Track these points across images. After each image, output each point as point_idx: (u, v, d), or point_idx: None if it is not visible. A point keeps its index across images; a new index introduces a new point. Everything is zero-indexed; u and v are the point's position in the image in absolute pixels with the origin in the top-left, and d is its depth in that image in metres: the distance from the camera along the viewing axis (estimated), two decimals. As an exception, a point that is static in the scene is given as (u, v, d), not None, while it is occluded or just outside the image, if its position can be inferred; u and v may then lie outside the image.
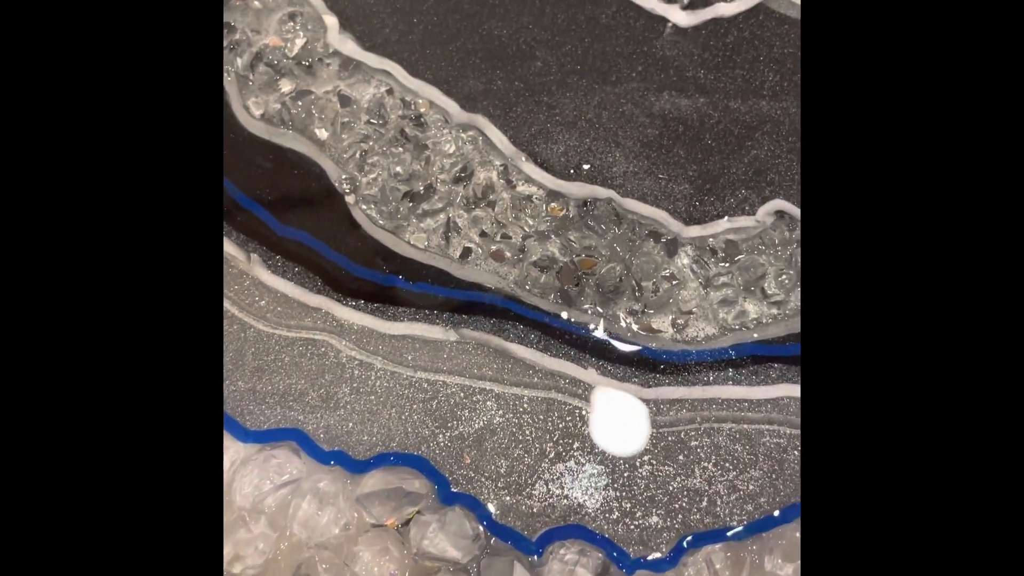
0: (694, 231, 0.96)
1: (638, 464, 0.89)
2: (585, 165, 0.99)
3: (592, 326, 0.94)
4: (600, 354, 0.93)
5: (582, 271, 0.94)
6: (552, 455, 0.90)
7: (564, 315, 0.94)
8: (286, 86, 1.02)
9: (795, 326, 0.93)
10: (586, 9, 1.06)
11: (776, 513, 0.87)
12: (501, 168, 0.99)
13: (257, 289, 0.97)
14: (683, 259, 0.95)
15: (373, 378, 0.92)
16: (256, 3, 1.05)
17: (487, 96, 1.02)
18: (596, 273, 0.94)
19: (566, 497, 0.88)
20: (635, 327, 0.93)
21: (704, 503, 0.88)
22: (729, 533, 0.87)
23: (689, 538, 0.87)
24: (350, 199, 0.98)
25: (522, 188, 0.98)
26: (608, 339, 0.93)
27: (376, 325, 0.94)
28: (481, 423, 0.90)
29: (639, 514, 0.88)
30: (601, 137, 1.00)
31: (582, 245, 0.95)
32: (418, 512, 0.87)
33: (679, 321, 0.93)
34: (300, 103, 1.02)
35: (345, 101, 1.02)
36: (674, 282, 0.94)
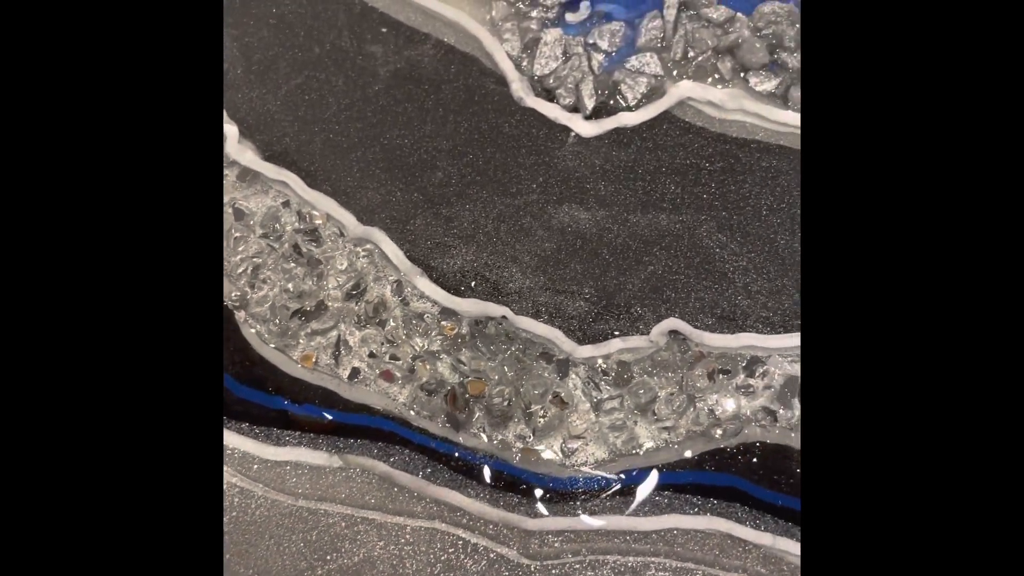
0: (587, 351, 0.94)
1: (524, 595, 0.87)
2: (481, 281, 0.98)
3: (480, 452, 0.92)
4: (487, 481, 0.91)
5: (471, 394, 0.92)
6: (438, 584, 0.88)
7: (452, 440, 0.92)
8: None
9: (687, 452, 0.92)
10: (489, 118, 1.05)
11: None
12: (395, 284, 0.98)
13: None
14: (574, 381, 0.94)
15: (253, 506, 0.90)
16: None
17: (385, 208, 1.02)
18: (485, 396, 0.92)
19: (451, 629, 0.86)
20: (523, 453, 0.92)
21: (591, 636, 0.86)
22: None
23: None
24: (239, 316, 0.97)
25: (415, 305, 0.97)
26: (495, 466, 0.92)
27: (259, 450, 0.92)
28: (361, 555, 0.88)
29: (524, 648, 0.86)
30: (498, 251, 0.99)
31: (472, 367, 0.94)
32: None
33: (568, 446, 0.91)
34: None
35: (239, 215, 1.01)
36: (565, 406, 0.92)
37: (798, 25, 1.06)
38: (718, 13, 1.06)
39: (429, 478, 0.91)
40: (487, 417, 0.92)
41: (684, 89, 1.05)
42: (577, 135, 1.04)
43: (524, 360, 0.94)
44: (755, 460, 0.91)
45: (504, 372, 0.93)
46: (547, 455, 0.92)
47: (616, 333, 0.95)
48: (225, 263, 0.99)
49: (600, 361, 0.94)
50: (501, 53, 1.08)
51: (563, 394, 0.92)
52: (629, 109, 1.05)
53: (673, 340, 0.95)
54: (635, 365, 0.94)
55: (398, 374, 0.94)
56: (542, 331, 0.95)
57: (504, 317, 0.95)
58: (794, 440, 0.91)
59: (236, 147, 1.03)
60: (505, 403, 0.92)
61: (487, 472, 0.91)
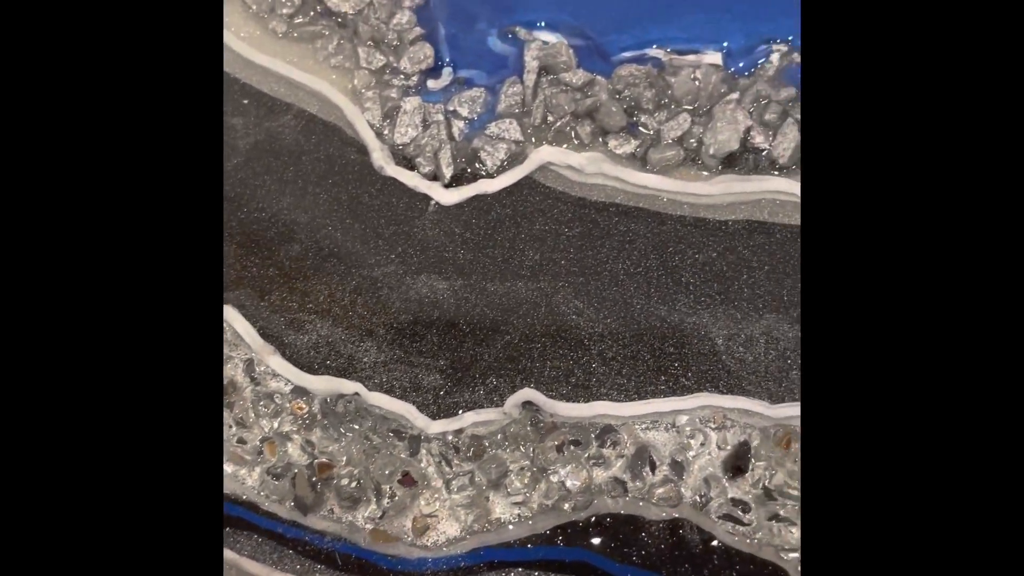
0: (439, 426, 0.94)
1: None
2: (335, 356, 0.97)
3: (328, 535, 0.90)
4: (336, 565, 0.90)
5: (319, 476, 0.91)
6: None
7: (300, 523, 0.91)
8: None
9: (539, 527, 0.91)
10: (349, 188, 1.05)
11: None
12: (246, 363, 0.96)
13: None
14: (426, 458, 0.93)
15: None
16: None
17: (240, 284, 1.01)
18: (335, 478, 0.91)
19: None
20: (372, 535, 0.90)
21: None
22: None
23: None
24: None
25: (267, 385, 0.96)
26: (344, 549, 0.90)
27: (100, 542, 0.90)
28: (203, 649, 0.86)
29: None
30: (354, 325, 0.99)
31: (321, 448, 0.92)
32: None
33: (419, 525, 0.90)
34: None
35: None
36: (415, 484, 0.91)
37: (654, 89, 1.07)
38: (577, 77, 1.07)
39: (277, 564, 0.89)
40: (336, 499, 0.91)
41: (544, 154, 1.05)
42: (437, 203, 1.04)
43: (373, 438, 0.93)
44: (605, 533, 0.90)
45: (353, 452, 0.92)
46: (397, 535, 0.90)
47: (470, 406, 0.95)
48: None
49: (451, 437, 0.93)
50: (362, 122, 1.07)
51: (413, 472, 0.91)
52: (489, 176, 1.05)
53: (527, 411, 0.94)
54: (488, 439, 0.93)
55: (247, 457, 0.93)
56: (395, 407, 0.94)
57: (356, 394, 0.94)
58: (643, 509, 0.91)
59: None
60: (354, 484, 0.91)
61: (337, 555, 0.90)
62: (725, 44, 1.08)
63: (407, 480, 0.91)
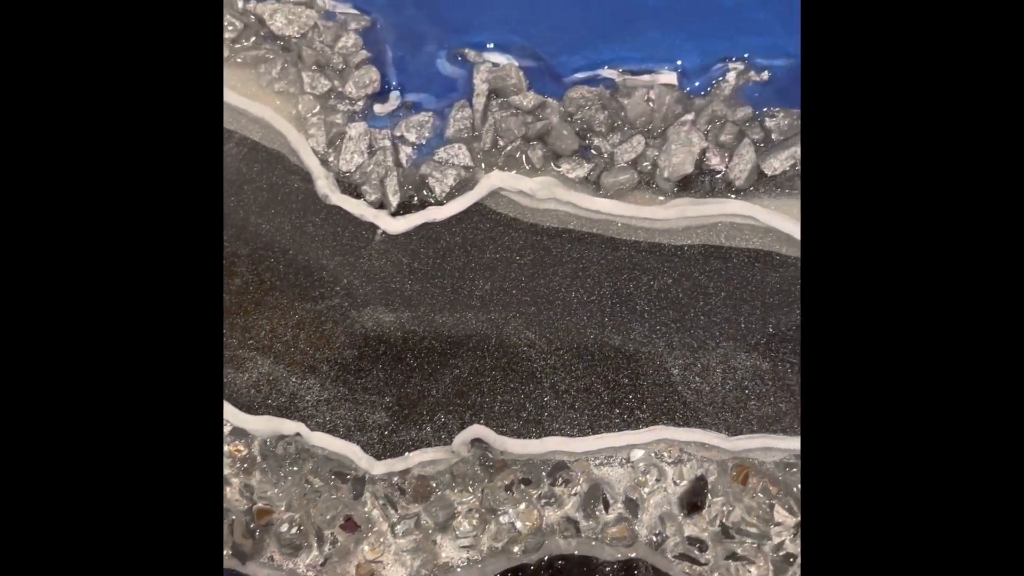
0: (384, 467, 0.90)
1: None
2: (276, 395, 0.93)
3: (267, 584, 0.87)
4: (275, 616, 0.86)
5: (259, 523, 0.87)
6: None
7: (240, 572, 0.87)
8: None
9: (489, 571, 0.87)
10: (293, 218, 1.02)
11: None
12: (183, 404, 0.92)
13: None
14: (371, 501, 0.89)
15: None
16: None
17: (178, 321, 0.97)
18: (274, 524, 0.87)
19: None
20: (313, 583, 0.87)
21: None
22: None
23: None
24: None
25: (205, 426, 0.92)
26: (283, 598, 0.86)
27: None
28: None
29: None
30: (297, 362, 0.95)
31: (260, 492, 0.89)
32: None
33: (363, 572, 0.87)
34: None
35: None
36: (358, 529, 0.88)
37: (607, 111, 1.04)
38: (528, 100, 1.04)
39: (213, 617, 0.85)
40: (277, 546, 0.87)
41: (494, 179, 1.02)
42: (384, 232, 1.01)
43: (315, 481, 0.89)
44: (558, 575, 0.87)
45: (293, 496, 0.88)
46: (339, 584, 0.87)
47: (417, 445, 0.91)
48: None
49: (396, 478, 0.89)
50: (306, 149, 1.04)
51: (357, 516, 0.88)
52: (438, 203, 1.02)
53: (476, 449, 0.91)
54: (435, 479, 0.89)
55: (183, 503, 0.89)
56: (338, 447, 0.91)
57: (298, 434, 0.91)
58: (596, 549, 0.87)
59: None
60: (295, 530, 0.87)
61: (278, 605, 0.86)
62: (680, 63, 1.05)
63: (349, 525, 0.87)
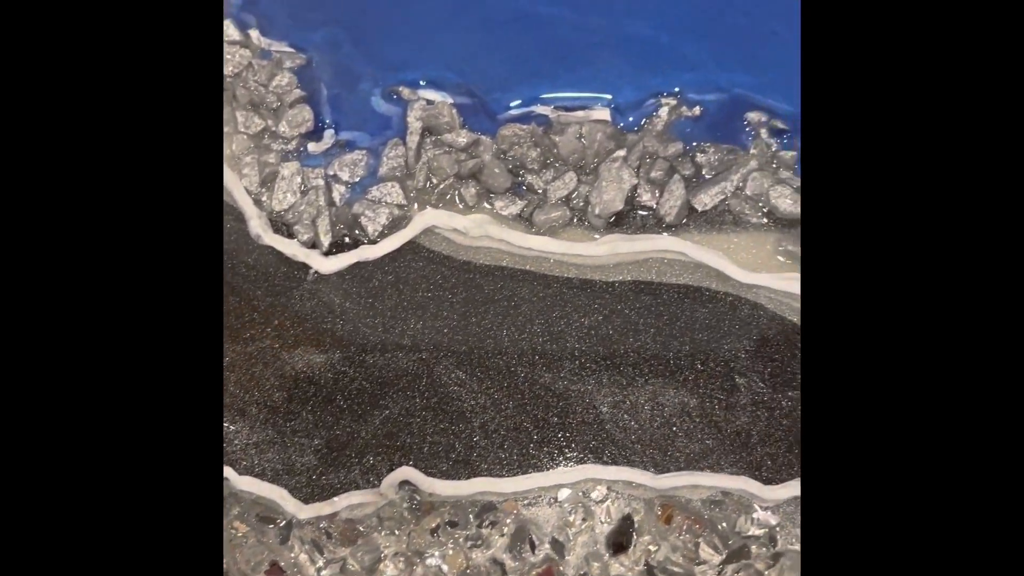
0: (311, 511, 0.90)
1: None
2: (204, 439, 0.93)
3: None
4: (199, 665, 0.85)
5: (182, 569, 0.87)
6: None
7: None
8: None
9: (414, 614, 0.87)
10: (226, 259, 1.01)
11: None
12: (110, 450, 0.92)
13: None
14: (297, 546, 0.89)
15: None
16: None
17: (107, 365, 0.96)
18: (198, 570, 0.87)
19: None
20: (238, 631, 0.86)
21: None
22: None
23: None
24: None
25: (131, 472, 0.91)
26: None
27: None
28: None
29: None
30: (226, 405, 0.95)
31: (185, 539, 0.88)
32: None
33: (288, 619, 0.86)
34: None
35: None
36: (284, 574, 0.87)
37: (539, 148, 1.04)
38: (461, 137, 1.05)
39: (135, 667, 0.84)
40: (201, 593, 0.86)
41: (428, 217, 1.02)
42: (316, 272, 1.01)
43: (240, 528, 0.88)
44: (484, 619, 0.87)
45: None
46: (264, 631, 0.86)
47: (346, 487, 0.91)
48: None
49: (324, 522, 0.89)
50: (240, 188, 1.04)
51: (283, 561, 0.87)
52: (372, 242, 1.02)
53: (404, 491, 0.91)
54: (362, 523, 0.89)
55: (107, 551, 0.88)
56: (265, 491, 0.90)
57: (225, 479, 0.90)
58: (524, 594, 0.87)
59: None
60: (219, 577, 0.86)
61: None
62: (611, 98, 1.06)
63: (274, 571, 0.87)
